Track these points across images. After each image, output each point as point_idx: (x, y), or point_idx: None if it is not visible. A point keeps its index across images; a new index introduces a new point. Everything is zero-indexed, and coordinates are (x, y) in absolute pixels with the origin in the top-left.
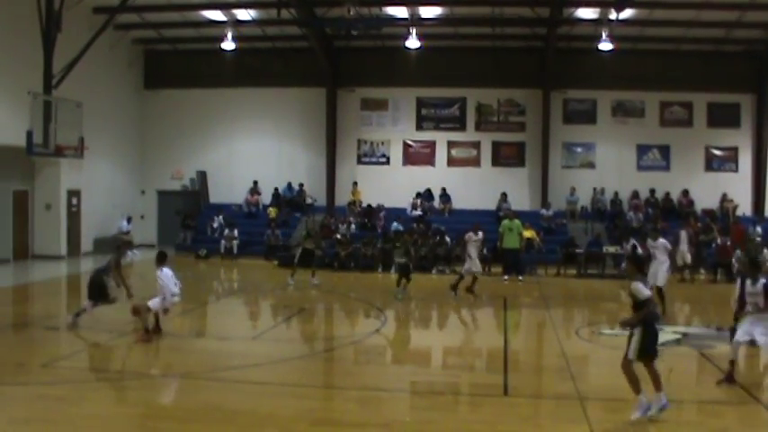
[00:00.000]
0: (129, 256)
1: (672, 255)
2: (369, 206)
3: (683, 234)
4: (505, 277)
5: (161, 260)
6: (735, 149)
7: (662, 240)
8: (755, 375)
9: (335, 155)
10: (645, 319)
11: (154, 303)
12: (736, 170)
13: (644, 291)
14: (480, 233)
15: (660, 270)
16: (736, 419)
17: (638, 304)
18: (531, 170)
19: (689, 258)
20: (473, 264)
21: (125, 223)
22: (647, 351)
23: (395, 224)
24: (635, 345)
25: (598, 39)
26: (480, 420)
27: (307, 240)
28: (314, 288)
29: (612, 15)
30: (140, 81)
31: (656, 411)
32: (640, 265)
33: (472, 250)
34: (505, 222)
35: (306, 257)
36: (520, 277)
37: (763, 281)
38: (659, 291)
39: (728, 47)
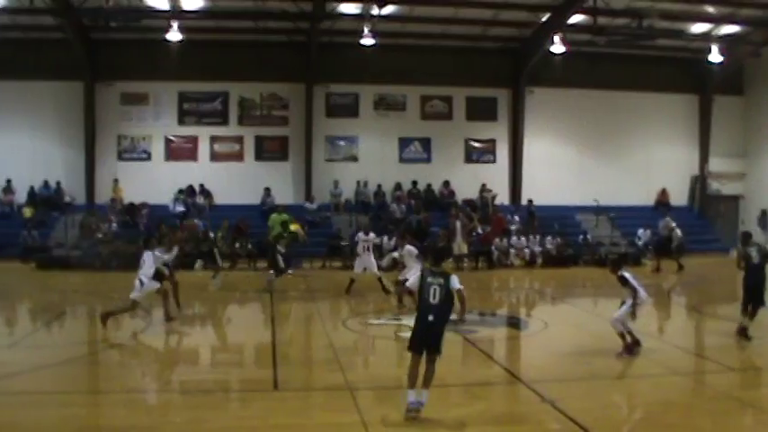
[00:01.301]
0: None
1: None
2: (131, 204)
3: (458, 224)
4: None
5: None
6: (493, 141)
7: (409, 248)
8: (516, 356)
9: (95, 151)
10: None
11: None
12: (494, 161)
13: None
14: (371, 233)
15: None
16: (501, 399)
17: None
18: (295, 164)
19: (465, 248)
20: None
21: None
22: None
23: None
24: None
25: (360, 34)
26: (251, 416)
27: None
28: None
29: (375, 11)
30: None
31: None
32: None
33: (361, 250)
34: (274, 216)
35: None
36: (290, 271)
37: (621, 273)
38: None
39: (486, 44)
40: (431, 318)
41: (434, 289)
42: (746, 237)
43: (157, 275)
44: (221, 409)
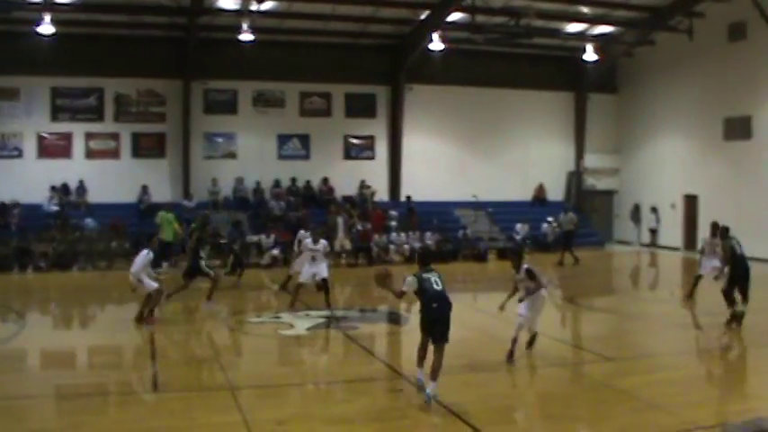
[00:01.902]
0: None
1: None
2: (2, 203)
3: (340, 221)
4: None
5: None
6: (372, 138)
7: (324, 242)
8: (396, 352)
9: None
10: None
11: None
12: (373, 158)
13: None
14: (321, 242)
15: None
16: (383, 394)
17: None
18: (173, 161)
19: (348, 244)
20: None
21: None
22: None
23: None
24: None
25: (239, 30)
26: (131, 419)
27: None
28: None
29: (253, 6)
30: None
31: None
32: None
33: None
34: (162, 213)
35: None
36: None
37: (525, 266)
38: (324, 282)
39: (365, 41)
40: (435, 305)
41: (434, 279)
42: (725, 231)
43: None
44: (100, 413)
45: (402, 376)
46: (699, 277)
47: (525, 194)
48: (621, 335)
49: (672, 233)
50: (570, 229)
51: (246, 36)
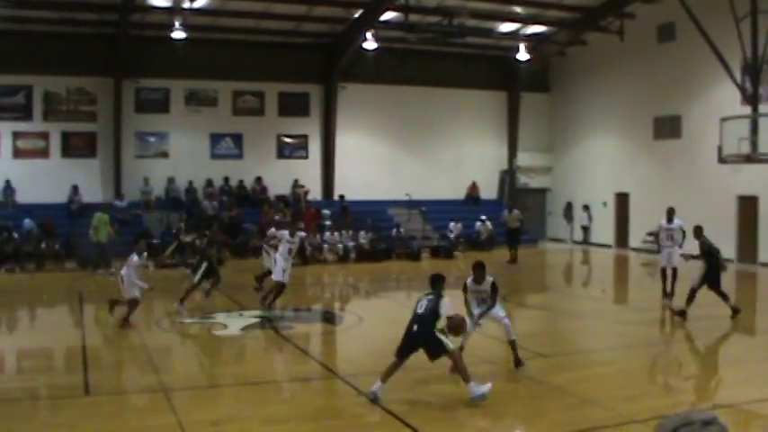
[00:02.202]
0: None
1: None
2: None
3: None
4: (101, 272)
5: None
6: (305, 137)
7: (301, 234)
8: (331, 351)
9: None
10: None
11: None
12: (307, 157)
13: None
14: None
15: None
16: (318, 394)
17: None
18: (104, 161)
19: None
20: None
21: None
22: None
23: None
24: None
25: (171, 27)
26: (63, 424)
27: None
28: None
29: (186, 4)
30: None
31: None
32: None
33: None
34: (98, 215)
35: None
36: (99, 271)
37: (490, 279)
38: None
39: (298, 39)
40: (414, 327)
41: (422, 303)
42: (700, 229)
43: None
44: (30, 419)
45: (338, 376)
46: (665, 270)
47: (458, 193)
48: (555, 331)
49: (604, 231)
50: (517, 226)
51: (179, 34)
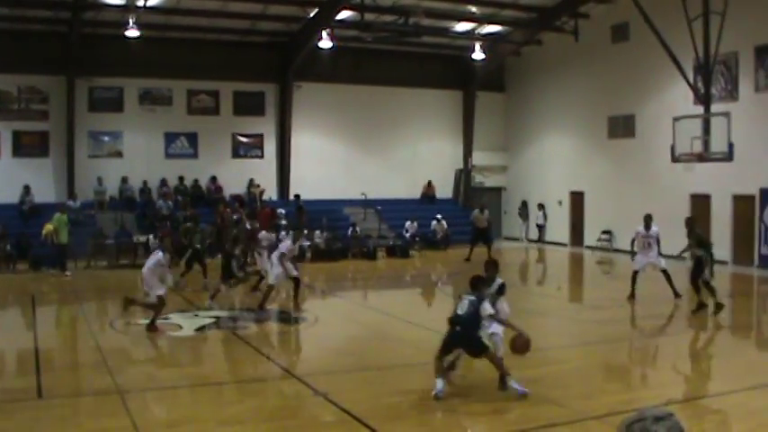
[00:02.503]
0: None
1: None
2: None
3: (235, 219)
4: (53, 272)
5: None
6: (260, 136)
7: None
8: (287, 351)
9: None
10: None
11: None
12: (262, 156)
13: None
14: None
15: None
16: (274, 394)
17: None
18: (56, 160)
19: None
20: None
21: None
22: None
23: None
24: None
25: (125, 25)
26: (14, 428)
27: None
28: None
29: (140, 2)
30: None
31: None
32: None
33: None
34: (57, 215)
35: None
36: (51, 271)
37: (500, 281)
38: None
39: (254, 38)
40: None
41: (463, 303)
42: (693, 221)
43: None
44: None
45: (294, 376)
46: (636, 273)
47: (414, 192)
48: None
49: (559, 229)
50: (485, 226)
51: (133, 32)
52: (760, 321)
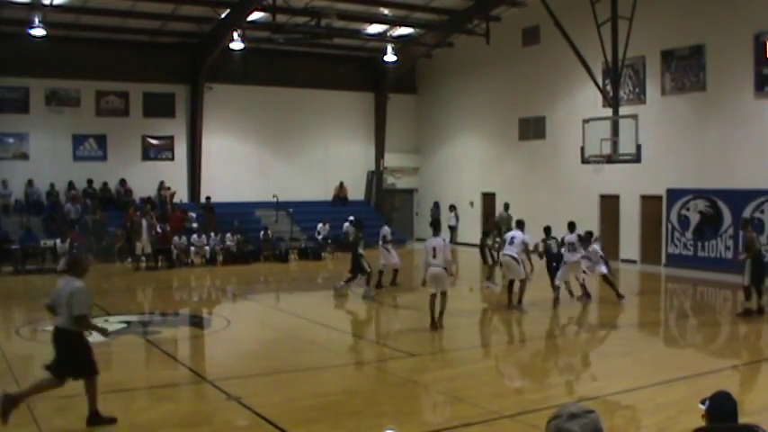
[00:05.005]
0: None
1: None
2: None
3: (144, 223)
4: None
5: None
6: (171, 138)
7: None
8: (200, 356)
9: None
10: None
11: None
12: (173, 158)
13: None
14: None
15: None
16: (187, 399)
17: None
18: None
19: (149, 248)
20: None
21: None
22: None
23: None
24: None
25: (31, 24)
26: None
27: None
28: None
29: (46, 0)
30: None
31: None
32: None
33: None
34: None
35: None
36: None
37: None
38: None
39: (164, 38)
40: None
41: None
42: (748, 222)
43: None
44: None
45: (206, 380)
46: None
47: (326, 194)
48: (423, 331)
49: (470, 230)
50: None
51: (38, 31)
52: (667, 319)
